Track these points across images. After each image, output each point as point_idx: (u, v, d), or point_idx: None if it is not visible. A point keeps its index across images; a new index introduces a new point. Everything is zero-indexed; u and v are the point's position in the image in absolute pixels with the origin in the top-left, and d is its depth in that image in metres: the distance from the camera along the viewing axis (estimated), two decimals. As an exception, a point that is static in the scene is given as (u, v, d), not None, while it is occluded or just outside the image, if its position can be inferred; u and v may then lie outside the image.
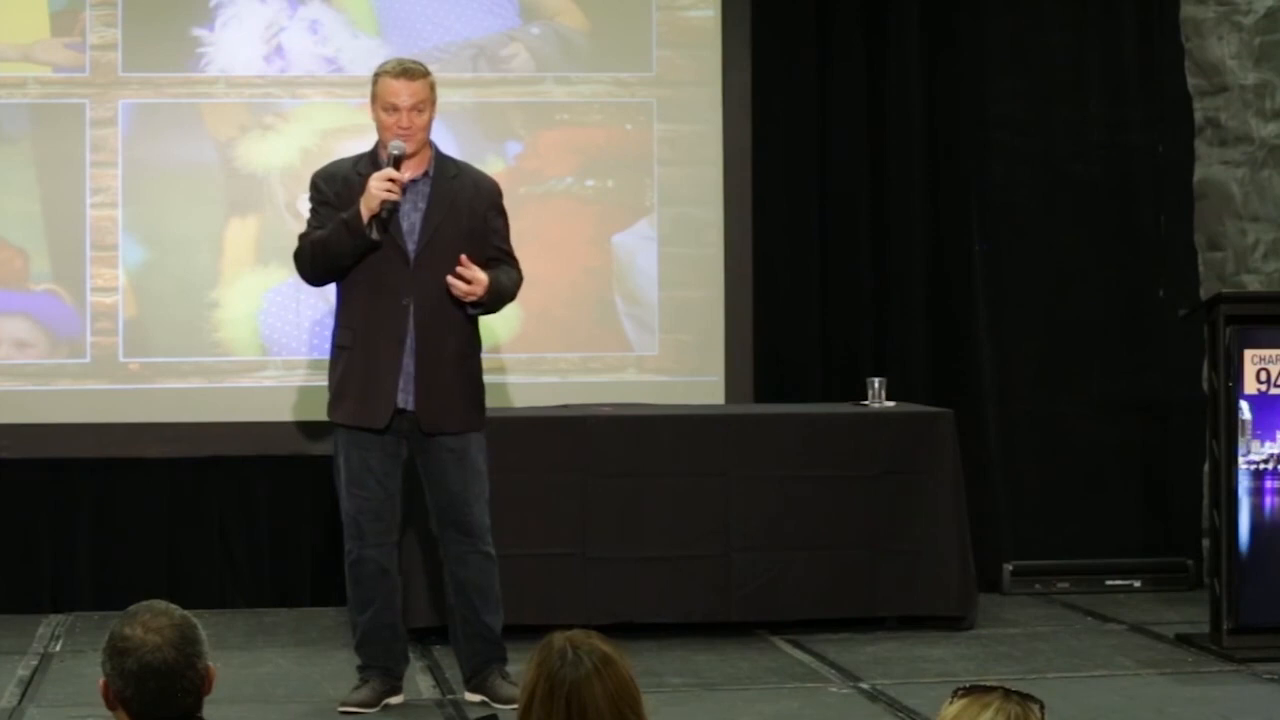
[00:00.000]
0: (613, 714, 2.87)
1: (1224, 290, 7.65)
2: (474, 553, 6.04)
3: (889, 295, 8.27)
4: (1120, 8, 8.38)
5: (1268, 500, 6.75)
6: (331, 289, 6.13)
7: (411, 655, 6.40)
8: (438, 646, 6.77)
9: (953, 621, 7.24)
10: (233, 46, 7.75)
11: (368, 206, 5.83)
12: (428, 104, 5.95)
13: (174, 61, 7.72)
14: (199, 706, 2.98)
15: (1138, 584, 8.09)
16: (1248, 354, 6.74)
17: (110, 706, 2.98)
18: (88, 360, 7.66)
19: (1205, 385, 7.46)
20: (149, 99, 7.70)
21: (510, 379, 7.80)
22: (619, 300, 7.95)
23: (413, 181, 5.96)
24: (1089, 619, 7.53)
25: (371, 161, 5.97)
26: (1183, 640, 6.98)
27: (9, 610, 7.55)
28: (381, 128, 5.95)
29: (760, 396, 8.02)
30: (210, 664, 3.01)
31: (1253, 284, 8.00)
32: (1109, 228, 8.36)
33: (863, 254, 8.26)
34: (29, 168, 7.67)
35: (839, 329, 8.25)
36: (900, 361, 8.16)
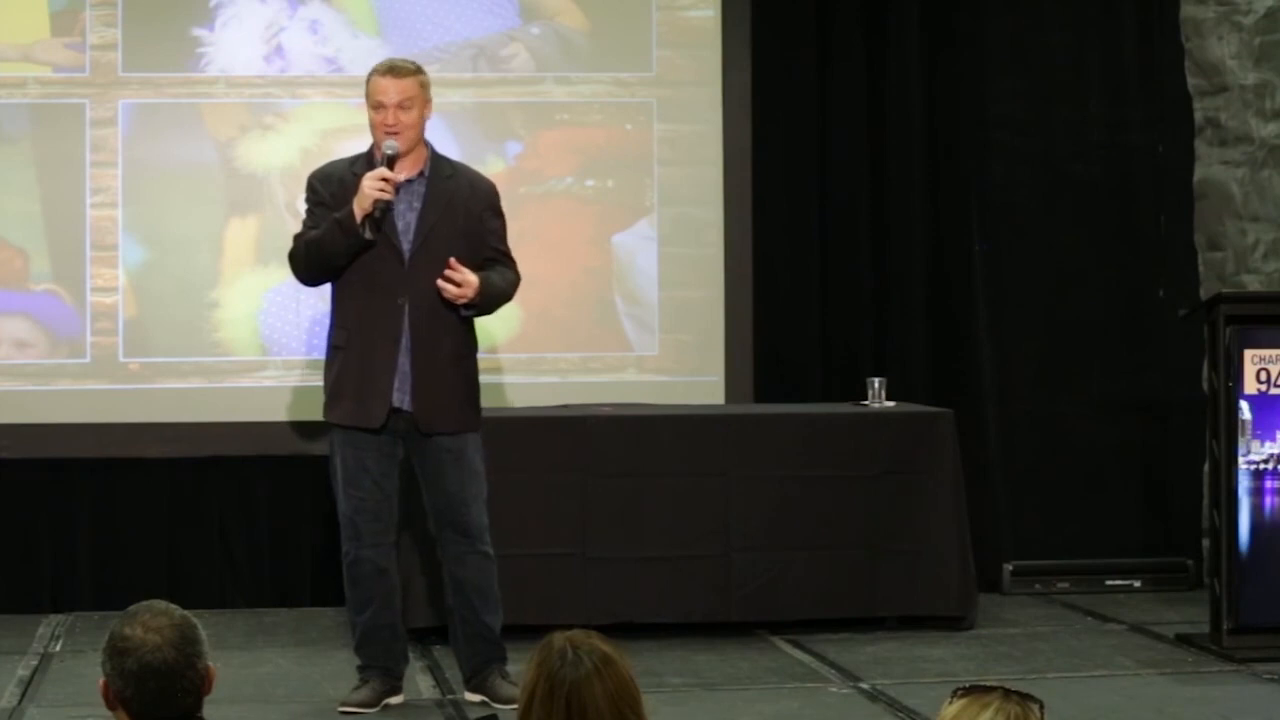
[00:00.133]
0: (613, 714, 2.87)
1: (1224, 290, 7.65)
2: (472, 553, 6.04)
3: (889, 295, 8.27)
4: (1120, 8, 8.38)
5: (1268, 500, 6.75)
6: (330, 289, 6.13)
7: (411, 655, 6.40)
8: (438, 646, 6.77)
9: (953, 621, 7.24)
10: (233, 46, 7.75)
11: (360, 206, 5.83)
12: (416, 101, 5.94)
13: (174, 61, 7.72)
14: (199, 706, 2.98)
15: (1138, 584, 8.09)
16: (1248, 354, 6.74)
17: (110, 706, 2.98)
18: (88, 360, 7.66)
19: (1205, 385, 7.46)
20: (149, 99, 7.70)
21: (510, 379, 7.81)
22: (619, 300, 7.95)
23: (408, 181, 5.96)
24: (1089, 619, 7.53)
25: (367, 162, 5.97)
26: (1183, 640, 6.98)
27: (9, 610, 7.55)
28: (371, 126, 5.97)
29: (760, 396, 8.02)
30: (210, 664, 3.01)
31: (1253, 284, 8.00)
32: (1109, 228, 8.36)
33: (863, 254, 8.26)
34: (29, 168, 7.67)
35: (839, 329, 8.25)
36: (900, 361, 8.16)
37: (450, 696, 6.21)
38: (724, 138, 7.99)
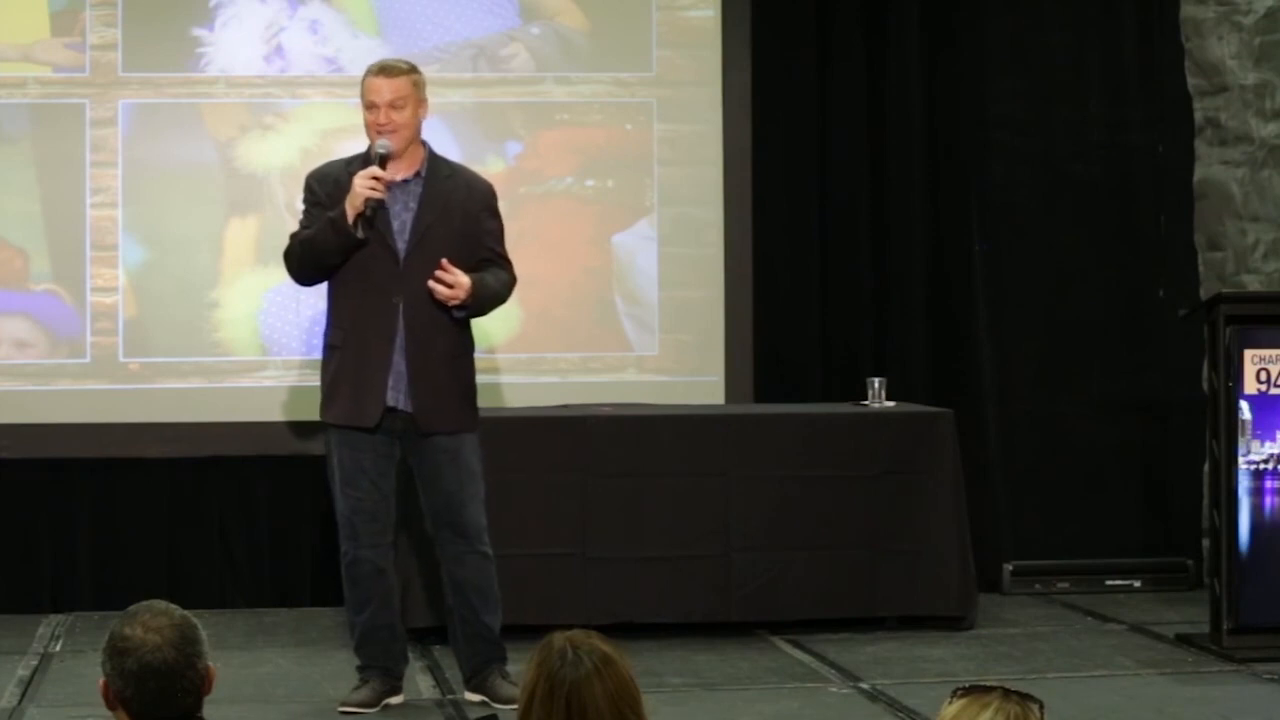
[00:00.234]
0: (613, 714, 2.87)
1: (1224, 290, 7.65)
2: (471, 553, 6.04)
3: (889, 295, 8.27)
4: (1120, 8, 8.38)
5: (1268, 500, 6.75)
6: (326, 289, 6.12)
7: (411, 655, 6.40)
8: (437, 646, 6.77)
9: (953, 621, 7.24)
10: (233, 46, 7.75)
11: (352, 205, 5.83)
12: (409, 101, 5.93)
13: (174, 61, 7.72)
14: (199, 706, 2.98)
15: (1138, 584, 8.08)
16: (1248, 354, 6.74)
17: (110, 706, 2.98)
18: (88, 360, 7.66)
19: (1205, 385, 7.46)
20: (149, 99, 7.70)
21: (510, 379, 7.80)
22: (619, 300, 7.95)
23: (404, 181, 5.96)
24: (1089, 619, 7.53)
25: (364, 162, 5.96)
26: (1183, 640, 6.98)
27: (9, 610, 7.55)
28: (365, 126, 5.97)
29: (760, 396, 8.02)
30: (210, 664, 3.01)
31: (1253, 284, 8.00)
32: (1109, 228, 8.36)
33: (863, 254, 8.26)
34: (29, 168, 7.67)
35: (839, 329, 8.25)
36: (900, 361, 8.16)
37: (450, 696, 6.21)
38: (724, 138, 7.99)
